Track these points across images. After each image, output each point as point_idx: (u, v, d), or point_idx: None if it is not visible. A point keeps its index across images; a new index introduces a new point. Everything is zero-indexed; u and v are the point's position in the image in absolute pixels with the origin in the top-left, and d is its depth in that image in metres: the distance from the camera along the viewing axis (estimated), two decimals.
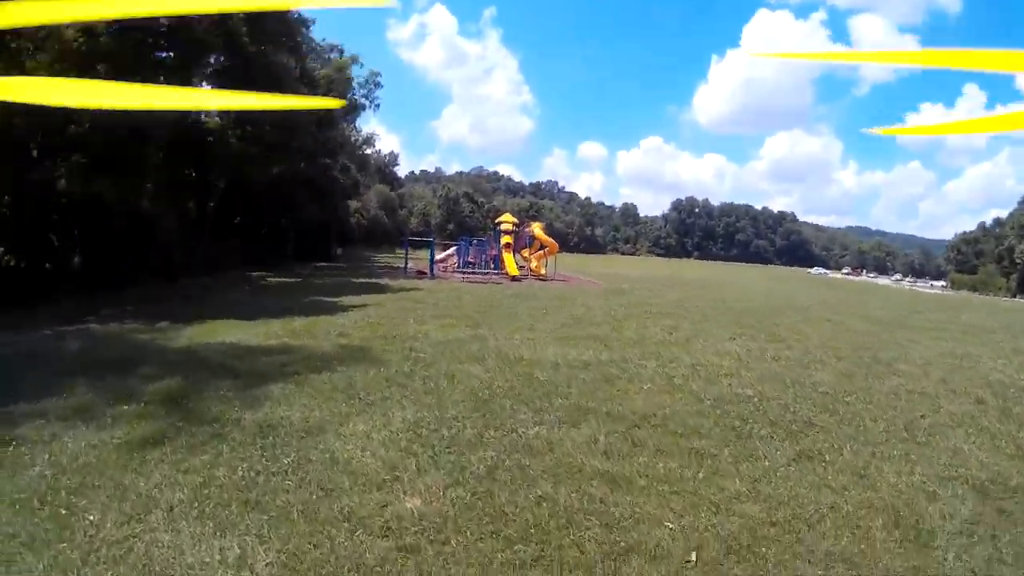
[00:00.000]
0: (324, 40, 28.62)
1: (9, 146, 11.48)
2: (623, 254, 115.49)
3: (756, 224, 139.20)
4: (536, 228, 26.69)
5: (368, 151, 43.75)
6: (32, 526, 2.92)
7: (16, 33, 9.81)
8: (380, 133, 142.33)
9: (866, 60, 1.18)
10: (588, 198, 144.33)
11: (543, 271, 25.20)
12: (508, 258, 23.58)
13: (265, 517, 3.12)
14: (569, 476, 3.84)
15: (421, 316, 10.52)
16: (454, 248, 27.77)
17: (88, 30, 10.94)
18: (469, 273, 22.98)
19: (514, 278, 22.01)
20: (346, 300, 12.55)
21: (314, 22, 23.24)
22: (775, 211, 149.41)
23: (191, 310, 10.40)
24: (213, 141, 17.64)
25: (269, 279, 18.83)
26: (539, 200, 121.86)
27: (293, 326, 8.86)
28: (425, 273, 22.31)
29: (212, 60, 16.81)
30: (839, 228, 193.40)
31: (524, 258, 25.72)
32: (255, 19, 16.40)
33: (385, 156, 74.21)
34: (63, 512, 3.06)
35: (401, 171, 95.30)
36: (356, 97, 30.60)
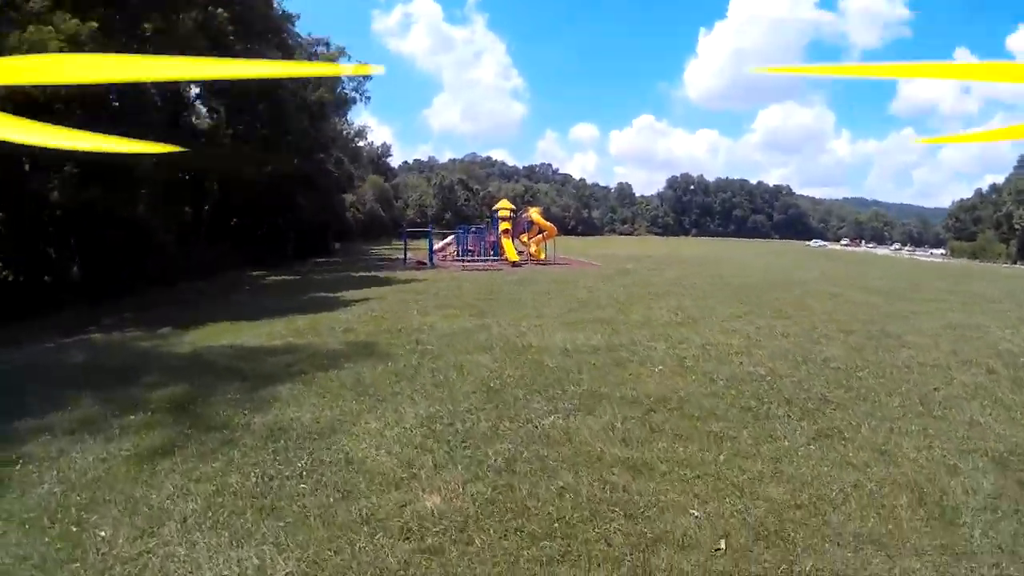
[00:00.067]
0: (310, 34, 28.25)
1: (1, 160, 11.31)
2: (621, 235, 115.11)
3: (752, 199, 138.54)
4: (534, 213, 26.53)
5: (360, 144, 43.33)
6: (43, 546, 2.84)
7: None
8: (372, 125, 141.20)
9: (873, 74, 1.11)
10: (583, 179, 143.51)
11: (543, 255, 25.09)
12: (507, 244, 23.45)
13: (282, 524, 3.04)
14: (589, 465, 3.77)
15: (424, 307, 10.42)
16: (452, 237, 27.63)
17: (71, 39, 10.72)
18: (468, 261, 22.85)
19: (514, 264, 21.91)
20: (347, 295, 12.45)
21: (298, 17, 22.89)
22: (771, 185, 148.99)
23: (192, 314, 10.30)
24: (205, 142, 17.46)
25: (269, 278, 18.71)
26: (534, 184, 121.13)
27: (296, 325, 8.76)
28: (424, 263, 22.19)
29: None
30: (835, 200, 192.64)
31: (523, 243, 25.58)
32: (240, 18, 16.15)
33: (378, 148, 73.66)
34: (74, 530, 2.98)
35: (394, 162, 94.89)
36: (346, 90, 30.28)
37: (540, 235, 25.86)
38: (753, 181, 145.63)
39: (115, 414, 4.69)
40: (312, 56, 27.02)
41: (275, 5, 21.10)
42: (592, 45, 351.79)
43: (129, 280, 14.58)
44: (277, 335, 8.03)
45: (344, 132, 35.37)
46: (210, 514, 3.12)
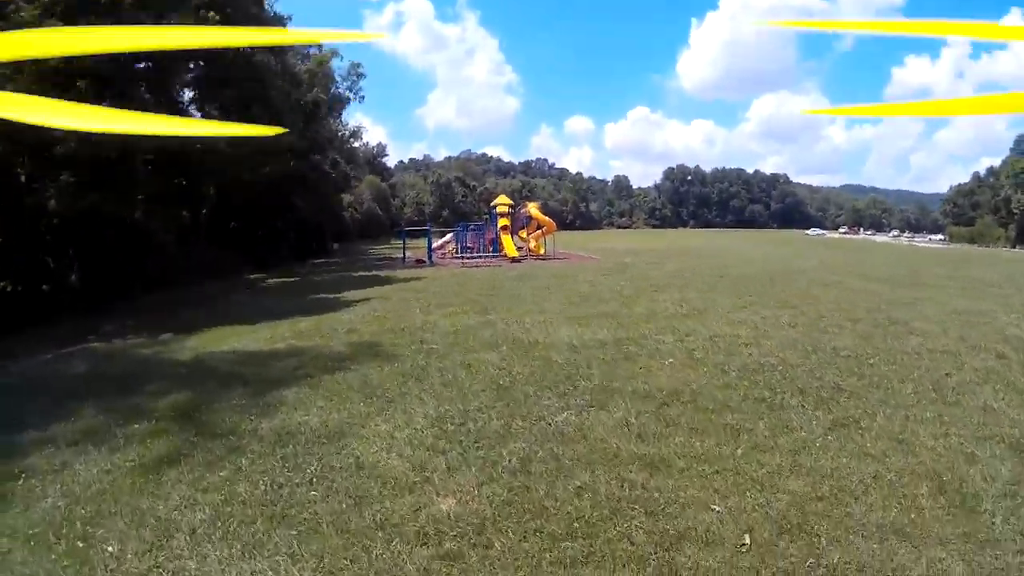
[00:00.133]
0: None
1: None
2: (619, 228, 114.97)
3: (750, 188, 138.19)
4: (532, 208, 26.42)
5: (356, 144, 43.05)
6: (49, 563, 2.76)
7: None
8: (367, 125, 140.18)
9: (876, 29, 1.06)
10: (579, 173, 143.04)
11: (542, 250, 25.00)
12: (506, 240, 23.35)
13: (294, 532, 2.96)
14: (605, 463, 3.69)
15: (427, 306, 10.33)
16: (451, 234, 27.53)
17: None
18: (468, 258, 22.76)
19: (514, 260, 21.80)
20: (349, 295, 12.35)
21: (290, 18, 22.68)
22: (767, 173, 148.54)
23: (193, 318, 10.21)
24: (202, 147, 17.33)
25: (269, 281, 18.61)
26: (530, 179, 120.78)
27: (299, 327, 8.67)
28: (424, 261, 22.10)
29: (192, 66, 16.44)
30: (833, 187, 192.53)
31: (522, 239, 25.49)
32: (231, 20, 16.02)
33: (373, 148, 73.47)
34: (80, 545, 2.89)
35: (390, 161, 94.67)
36: (340, 91, 30.11)
37: (539, 230, 25.75)
38: (750, 170, 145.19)
39: (118, 424, 4.61)
40: (304, 57, 26.86)
41: (266, 7, 20.94)
42: (584, 38, 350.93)
43: (129, 286, 14.50)
44: (280, 338, 7.94)
45: (339, 133, 35.11)
46: (220, 524, 3.04)
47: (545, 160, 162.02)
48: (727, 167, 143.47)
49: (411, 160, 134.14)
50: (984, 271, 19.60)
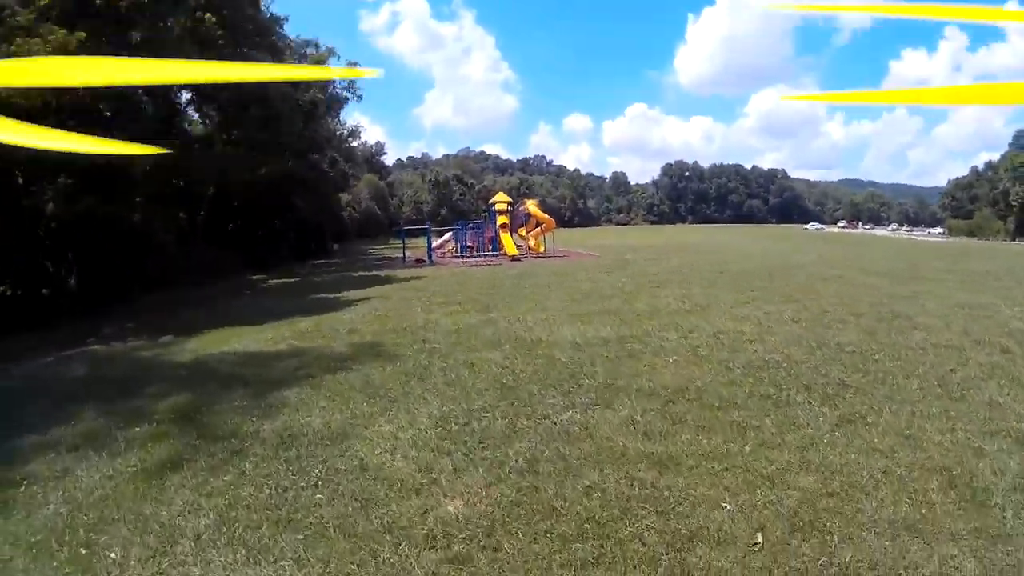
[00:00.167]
0: (299, 36, 27.99)
1: None
2: (617, 224, 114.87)
3: (748, 184, 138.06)
4: (531, 206, 26.32)
5: (354, 143, 42.96)
6: (52, 571, 2.72)
7: None
8: (364, 124, 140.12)
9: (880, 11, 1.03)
10: (577, 170, 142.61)
11: (541, 248, 24.93)
12: (506, 238, 23.28)
13: (300, 537, 2.91)
14: (613, 461, 3.65)
15: (428, 305, 10.29)
16: (450, 233, 27.47)
17: (60, 51, 10.57)
18: (468, 257, 22.71)
19: (514, 258, 21.75)
20: (349, 295, 12.31)
21: (287, 19, 22.59)
22: (765, 168, 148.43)
23: (193, 320, 10.16)
24: (199, 148, 17.27)
25: (269, 281, 18.55)
26: (528, 176, 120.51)
27: (300, 327, 8.62)
28: (423, 260, 22.05)
29: None
30: (831, 182, 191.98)
31: (521, 237, 25.42)
32: (228, 22, 15.94)
33: (371, 147, 73.33)
34: (83, 552, 2.85)
35: (388, 160, 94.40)
36: (337, 90, 30.01)
37: (538, 228, 25.68)
38: (748, 166, 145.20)
39: (119, 427, 4.56)
40: (302, 58, 26.76)
41: (263, 8, 20.82)
42: (581, 35, 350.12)
43: (128, 288, 14.45)
44: (281, 338, 7.89)
45: (337, 132, 35.02)
46: (224, 530, 3.00)
47: (543, 157, 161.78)
48: (725, 163, 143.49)
49: (409, 159, 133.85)
50: (984, 264, 19.58)
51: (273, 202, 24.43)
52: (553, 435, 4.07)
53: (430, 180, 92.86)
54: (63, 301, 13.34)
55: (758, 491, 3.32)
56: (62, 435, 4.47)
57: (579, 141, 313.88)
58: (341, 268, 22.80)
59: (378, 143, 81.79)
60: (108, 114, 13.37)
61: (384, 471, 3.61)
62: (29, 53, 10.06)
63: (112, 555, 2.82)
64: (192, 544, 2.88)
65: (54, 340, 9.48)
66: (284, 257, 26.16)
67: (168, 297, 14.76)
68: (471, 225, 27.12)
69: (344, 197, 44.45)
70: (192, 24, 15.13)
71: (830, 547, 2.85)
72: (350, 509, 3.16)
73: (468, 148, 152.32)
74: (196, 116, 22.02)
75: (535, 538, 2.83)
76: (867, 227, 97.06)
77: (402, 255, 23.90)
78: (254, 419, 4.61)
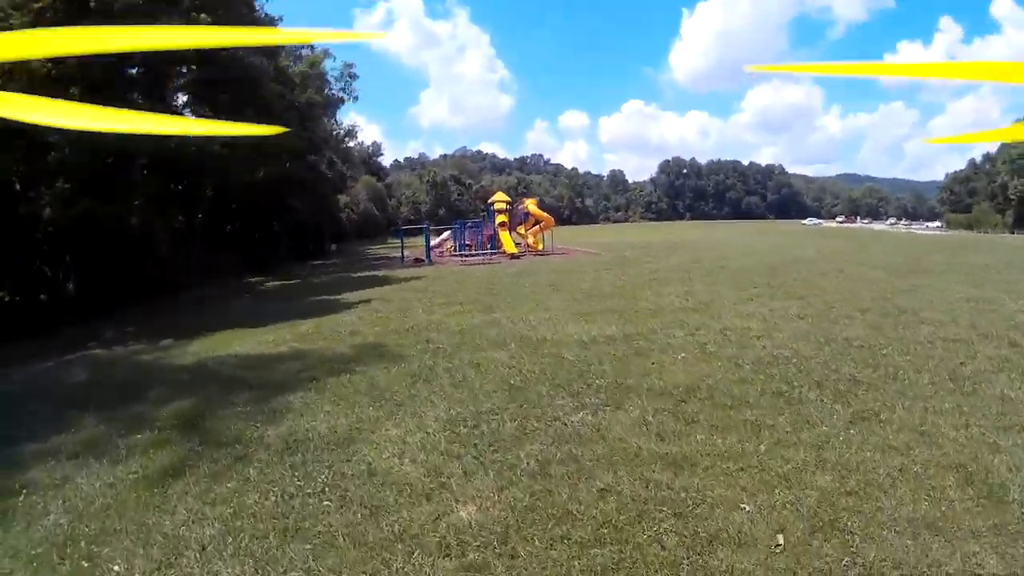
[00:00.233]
0: None
1: None
2: (615, 222, 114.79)
3: (745, 180, 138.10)
4: (530, 204, 26.26)
5: (351, 144, 42.81)
6: None
7: None
8: (361, 124, 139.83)
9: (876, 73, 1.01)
10: (575, 168, 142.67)
11: (540, 246, 24.87)
12: (504, 237, 23.22)
13: (309, 546, 2.83)
14: (627, 463, 3.57)
15: (429, 305, 10.20)
16: (448, 232, 27.38)
17: None
18: (466, 256, 22.63)
19: (512, 256, 21.68)
20: (350, 296, 12.22)
21: (281, 19, 22.45)
22: (763, 165, 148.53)
23: (193, 324, 10.06)
24: (196, 151, 17.15)
25: (268, 283, 18.45)
26: (526, 176, 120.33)
27: (301, 329, 8.53)
28: (423, 260, 21.98)
29: (184, 70, 16.25)
30: (828, 177, 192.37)
31: (520, 235, 25.35)
32: (222, 21, 15.83)
33: (368, 147, 73.17)
34: (85, 565, 2.76)
35: (385, 160, 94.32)
36: (334, 91, 29.89)
37: (537, 226, 25.62)
38: (745, 162, 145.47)
39: (120, 434, 4.47)
40: (297, 58, 26.66)
41: (257, 8, 20.70)
42: (576, 32, 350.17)
43: (128, 292, 14.34)
44: (282, 341, 7.80)
45: (334, 133, 34.92)
46: (230, 540, 2.91)
47: (540, 156, 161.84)
48: (722, 159, 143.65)
49: (406, 159, 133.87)
50: (984, 257, 19.55)
51: (272, 204, 24.32)
52: (564, 437, 3.99)
53: (428, 181, 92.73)
54: (62, 305, 13.25)
55: (776, 491, 3.25)
56: (62, 442, 4.38)
57: (576, 138, 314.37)
58: (340, 269, 22.70)
59: (375, 143, 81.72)
60: None
61: (393, 476, 3.52)
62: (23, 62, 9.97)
63: (115, 568, 2.73)
64: (197, 555, 2.80)
65: (54, 345, 9.39)
66: (283, 258, 26.05)
67: (168, 300, 14.67)
68: (469, 224, 27.01)
69: (342, 199, 44.31)
70: (186, 24, 15.02)
71: (852, 547, 2.79)
72: (359, 516, 3.08)
73: (465, 147, 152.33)
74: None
75: (552, 544, 2.75)
76: (865, 221, 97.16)
77: (400, 255, 23.82)
78: (258, 424, 4.52)
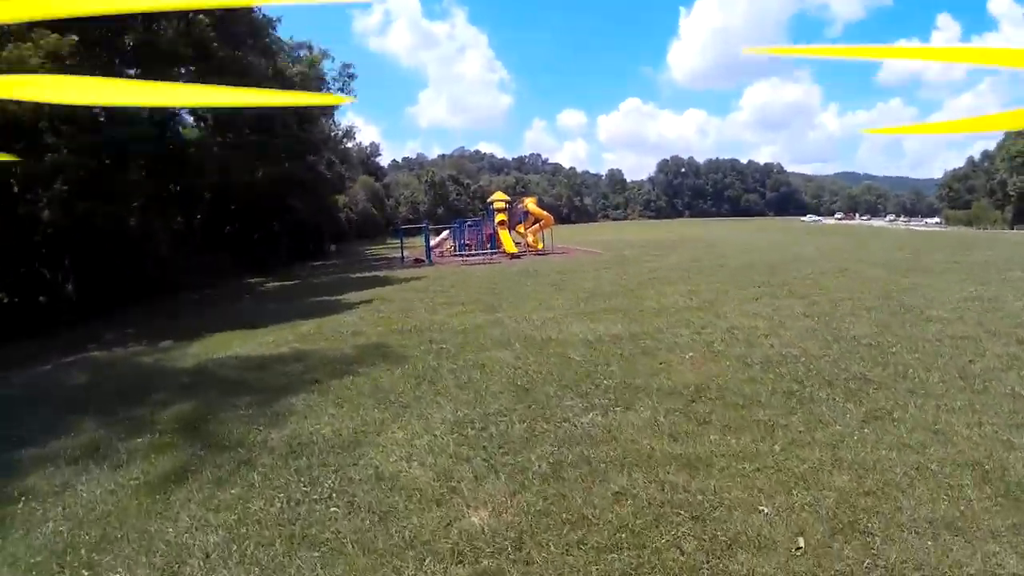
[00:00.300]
0: (292, 38, 27.91)
1: None
2: (614, 220, 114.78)
3: (744, 178, 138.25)
4: (529, 203, 26.16)
5: (349, 144, 42.75)
6: None
7: None
8: (359, 125, 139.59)
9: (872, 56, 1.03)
10: (573, 168, 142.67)
11: (540, 245, 24.78)
12: (504, 236, 23.12)
13: (316, 554, 2.75)
14: (640, 465, 3.49)
15: (431, 305, 10.12)
16: (447, 232, 27.29)
17: (52, 55, 10.42)
18: (466, 255, 22.54)
19: (513, 255, 21.59)
20: (351, 297, 12.12)
21: (279, 20, 22.36)
22: (761, 163, 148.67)
23: (193, 325, 9.96)
24: (194, 152, 17.07)
25: (268, 284, 18.35)
26: (524, 175, 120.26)
27: (303, 330, 8.44)
28: (422, 260, 21.88)
29: (183, 71, 16.17)
30: (827, 175, 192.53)
31: (520, 234, 25.26)
32: (222, 24, 15.78)
33: (366, 147, 73.06)
34: (86, 574, 2.68)
35: (384, 160, 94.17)
36: (332, 92, 29.83)
37: (536, 225, 25.53)
38: (744, 160, 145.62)
39: (121, 438, 4.38)
40: (296, 61, 26.62)
41: (256, 9, 20.59)
42: (574, 32, 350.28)
43: (127, 293, 14.27)
44: (284, 342, 7.71)
45: (333, 133, 34.87)
46: (235, 547, 2.83)
47: (539, 155, 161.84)
48: (721, 157, 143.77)
49: (404, 159, 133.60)
50: (985, 253, 19.50)
51: (271, 204, 24.23)
52: (575, 438, 3.91)
53: (426, 181, 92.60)
54: (61, 307, 13.17)
55: (794, 492, 3.19)
56: (62, 446, 4.29)
57: (574, 137, 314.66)
58: (340, 269, 22.61)
59: (373, 144, 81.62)
60: (102, 119, 13.20)
61: (401, 480, 3.44)
62: (21, 58, 9.89)
63: None
64: (201, 563, 2.71)
65: (54, 347, 9.29)
66: (283, 259, 25.95)
67: (168, 301, 14.57)
68: (469, 223, 26.91)
69: (341, 199, 44.22)
70: (185, 26, 14.95)
71: (873, 549, 2.73)
72: (368, 523, 2.99)
73: (463, 147, 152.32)
74: (191, 119, 21.83)
75: (567, 549, 2.67)
76: (864, 218, 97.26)
77: (400, 255, 23.72)
78: (261, 427, 4.43)
